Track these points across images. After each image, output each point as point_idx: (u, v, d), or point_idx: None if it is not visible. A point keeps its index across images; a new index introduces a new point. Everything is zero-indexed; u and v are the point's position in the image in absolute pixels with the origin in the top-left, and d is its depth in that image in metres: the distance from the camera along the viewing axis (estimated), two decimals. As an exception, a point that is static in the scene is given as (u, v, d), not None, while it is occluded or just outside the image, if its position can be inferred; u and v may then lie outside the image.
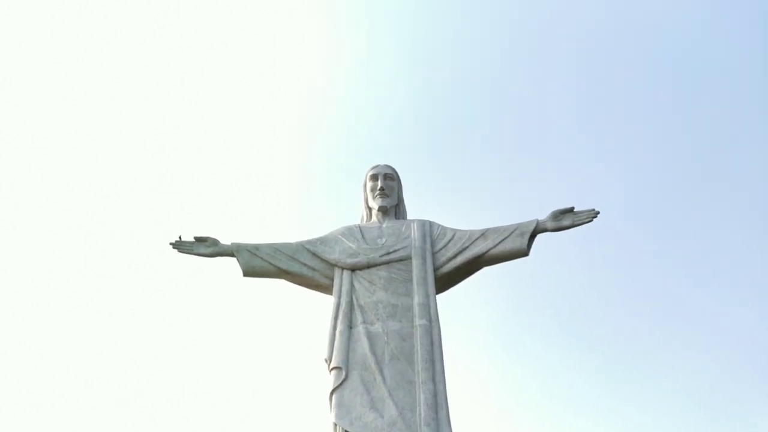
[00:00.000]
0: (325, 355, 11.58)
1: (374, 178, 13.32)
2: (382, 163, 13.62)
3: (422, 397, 10.88)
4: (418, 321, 11.59)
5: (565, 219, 12.24)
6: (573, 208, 12.28)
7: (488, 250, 12.29)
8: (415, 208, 13.65)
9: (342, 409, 10.93)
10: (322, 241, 12.81)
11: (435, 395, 10.97)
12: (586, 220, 12.18)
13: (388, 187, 13.21)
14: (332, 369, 11.38)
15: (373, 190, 13.23)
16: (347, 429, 10.76)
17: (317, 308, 12.90)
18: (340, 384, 11.15)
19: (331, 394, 11.17)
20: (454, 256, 12.36)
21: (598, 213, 12.20)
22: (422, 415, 10.74)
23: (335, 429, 10.91)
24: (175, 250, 12.74)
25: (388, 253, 12.33)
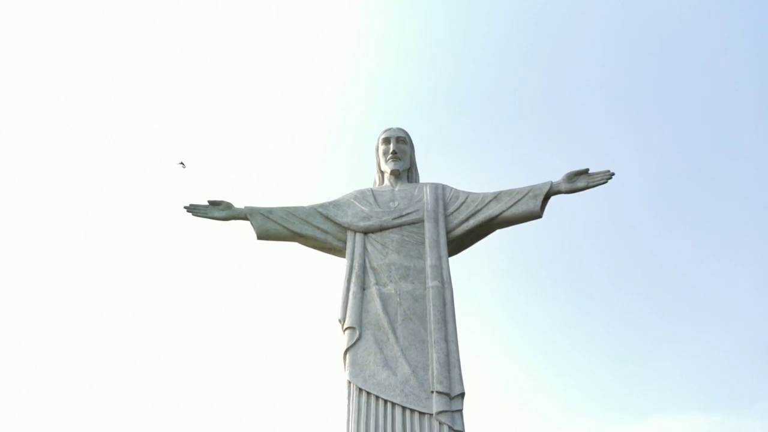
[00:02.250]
0: (339, 315, 11.70)
1: (386, 141, 13.26)
2: (394, 126, 13.54)
3: (435, 356, 11.00)
4: (431, 282, 11.65)
5: (580, 180, 12.14)
6: (588, 169, 12.17)
7: (501, 213, 12.25)
8: (428, 172, 13.62)
9: (356, 368, 11.08)
10: (334, 204, 12.83)
11: (447, 354, 11.08)
12: (601, 181, 12.07)
13: (400, 150, 13.15)
14: (346, 329, 11.50)
15: (385, 153, 13.19)
16: (361, 387, 10.92)
17: (331, 270, 13.02)
18: (354, 343, 11.29)
19: (345, 353, 11.31)
20: (467, 219, 12.34)
21: (612, 174, 12.08)
22: (435, 374, 10.86)
23: (349, 387, 11.06)
24: (190, 214, 12.85)
25: (401, 216, 12.34)
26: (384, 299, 11.57)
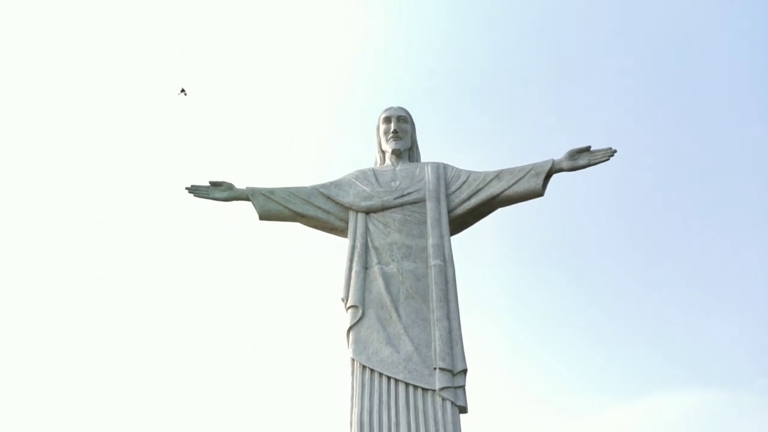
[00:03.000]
0: (342, 294, 11.77)
1: (387, 120, 13.22)
2: (395, 105, 13.48)
3: (437, 333, 11.09)
4: (433, 261, 11.70)
5: (581, 158, 12.13)
6: (589, 147, 12.16)
7: (503, 191, 12.26)
8: (430, 151, 13.59)
9: (359, 345, 11.18)
10: (336, 184, 12.83)
11: (450, 331, 11.17)
12: (603, 159, 12.06)
13: (401, 129, 13.11)
14: (349, 308, 11.58)
15: (386, 132, 13.15)
16: (364, 364, 11.02)
17: (334, 250, 13.07)
18: (357, 322, 11.37)
19: (349, 331, 11.39)
20: (468, 198, 12.35)
21: (614, 152, 12.07)
22: (437, 351, 10.96)
23: (353, 364, 11.17)
24: (191, 195, 12.86)
25: (402, 196, 12.34)
26: (386, 278, 11.63)
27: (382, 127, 13.27)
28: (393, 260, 11.77)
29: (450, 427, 10.52)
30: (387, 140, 13.09)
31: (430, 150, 13.51)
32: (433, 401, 10.70)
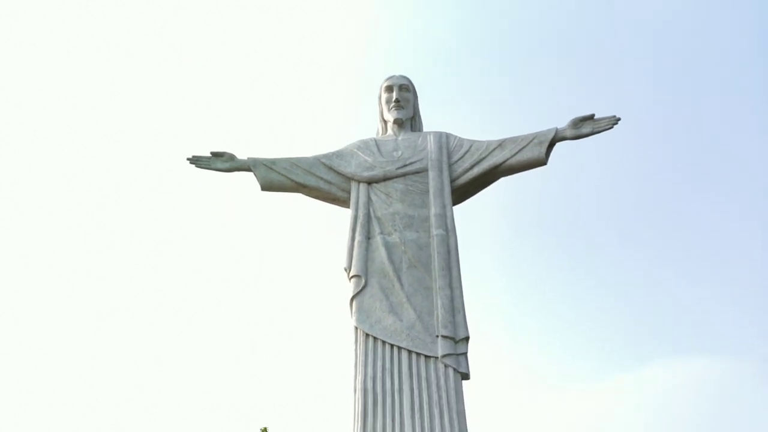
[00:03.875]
0: (345, 264, 11.82)
1: (389, 89, 13.06)
2: (397, 74, 13.31)
3: (439, 302, 11.17)
4: (435, 231, 11.72)
5: (585, 126, 12.03)
6: (593, 115, 12.04)
7: (505, 161, 12.19)
8: (432, 120, 13.47)
9: (362, 314, 11.28)
10: (338, 155, 12.76)
11: (452, 300, 11.26)
12: (607, 126, 11.96)
13: (403, 98, 12.97)
14: (352, 277, 11.65)
15: (388, 102, 13.01)
16: (368, 332, 11.14)
17: (336, 220, 13.08)
18: (360, 291, 11.45)
19: (352, 300, 11.49)
20: (471, 167, 12.30)
21: (618, 119, 11.96)
22: (440, 319, 11.07)
23: (356, 332, 11.29)
24: (193, 166, 12.82)
25: (404, 166, 12.29)
26: (389, 248, 11.67)
27: (384, 96, 13.13)
28: (395, 230, 11.79)
29: (452, 392, 10.69)
30: (389, 109, 12.97)
31: (436, 117, 13.38)
32: (436, 368, 10.85)
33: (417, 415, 10.55)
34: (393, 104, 12.90)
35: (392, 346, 10.99)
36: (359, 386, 10.83)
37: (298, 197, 13.04)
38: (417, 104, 13.33)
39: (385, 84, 13.19)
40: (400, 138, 12.75)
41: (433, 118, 13.41)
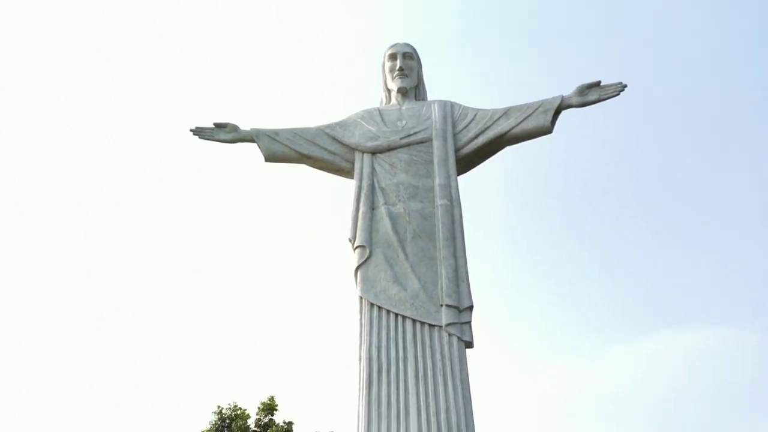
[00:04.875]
0: (349, 235, 11.84)
1: (393, 57, 12.90)
2: (401, 41, 13.12)
3: (444, 271, 11.21)
4: (439, 201, 11.69)
5: (591, 93, 11.87)
6: (599, 82, 11.87)
7: (510, 129, 12.08)
8: (437, 89, 13.31)
9: (367, 284, 11.34)
10: (341, 125, 12.68)
11: (456, 269, 11.29)
12: (613, 94, 11.80)
13: (407, 66, 12.81)
14: (356, 248, 11.67)
15: (391, 70, 12.86)
16: (372, 301, 11.21)
17: (341, 191, 13.06)
18: (365, 261, 11.49)
19: (356, 270, 11.53)
20: (476, 137, 12.20)
21: (625, 86, 11.79)
22: (444, 288, 11.12)
23: (361, 302, 11.36)
24: (196, 137, 12.77)
25: (409, 136, 12.20)
26: (393, 218, 11.66)
27: (388, 64, 12.97)
28: (399, 200, 11.76)
29: (456, 361, 10.80)
30: (392, 78, 12.82)
31: (442, 84, 13.18)
32: (440, 336, 10.94)
33: (421, 383, 10.68)
34: (397, 72, 12.75)
35: (397, 315, 11.08)
36: (364, 355, 10.95)
37: (303, 168, 13.01)
38: (421, 72, 13.16)
39: (389, 52, 13.02)
40: (404, 107, 12.63)
41: (437, 87, 13.27)
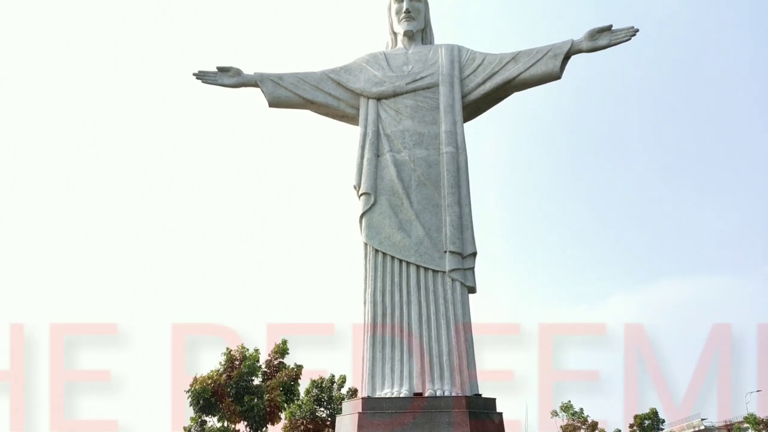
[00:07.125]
0: (354, 182, 11.85)
1: (399, -1, 12.54)
2: (407, -18, 12.67)
3: (448, 219, 11.27)
4: (445, 148, 11.61)
5: (602, 38, 11.58)
6: (611, 26, 11.55)
7: (519, 74, 11.86)
8: (444, 33, 12.98)
9: (372, 231, 11.43)
10: (346, 69, 12.46)
11: (460, 217, 11.35)
12: (624, 38, 11.50)
13: (414, 9, 12.47)
14: (361, 195, 11.70)
15: (398, 12, 12.53)
16: (377, 248, 11.33)
17: (345, 138, 12.98)
18: (369, 208, 11.54)
19: (361, 217, 11.60)
20: (483, 82, 11.99)
21: (636, 31, 11.46)
22: (448, 235, 11.20)
23: (366, 248, 11.50)
24: (199, 81, 12.61)
25: (415, 81, 12.00)
26: (398, 165, 11.63)
27: (394, 6, 12.61)
28: (405, 147, 11.69)
29: (459, 305, 11.02)
30: (399, 21, 12.50)
31: (450, 29, 12.85)
32: (443, 282, 11.11)
33: (425, 326, 10.93)
34: (403, 15, 12.43)
35: (401, 261, 11.21)
36: (369, 299, 11.16)
37: (307, 114, 12.89)
38: (428, 15, 12.82)
39: (395, -7, 12.64)
40: (410, 51, 12.37)
41: (446, 31, 12.94)
